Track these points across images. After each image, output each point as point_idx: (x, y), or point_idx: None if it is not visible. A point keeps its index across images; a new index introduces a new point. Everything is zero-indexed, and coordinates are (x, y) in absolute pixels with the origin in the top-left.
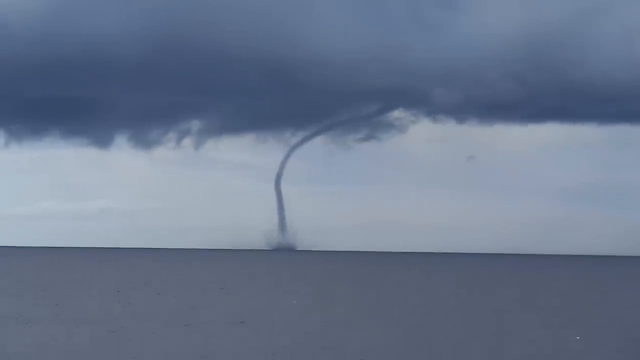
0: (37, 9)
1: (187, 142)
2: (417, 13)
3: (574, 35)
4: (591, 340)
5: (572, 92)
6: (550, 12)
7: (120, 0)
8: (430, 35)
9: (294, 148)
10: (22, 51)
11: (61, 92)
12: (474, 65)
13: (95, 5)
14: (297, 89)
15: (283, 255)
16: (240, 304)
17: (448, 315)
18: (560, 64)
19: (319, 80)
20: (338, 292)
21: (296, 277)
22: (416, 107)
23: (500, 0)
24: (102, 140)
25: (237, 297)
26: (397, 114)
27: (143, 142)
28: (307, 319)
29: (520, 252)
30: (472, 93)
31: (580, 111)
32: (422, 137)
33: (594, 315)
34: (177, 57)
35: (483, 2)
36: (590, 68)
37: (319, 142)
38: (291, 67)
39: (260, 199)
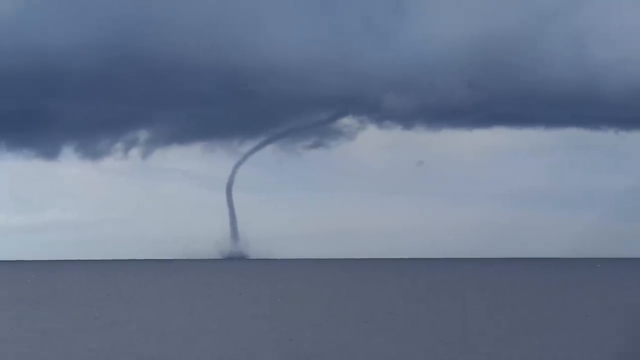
0: None
1: (135, 152)
2: (369, 20)
3: (525, 40)
4: (548, 346)
5: (522, 97)
6: (501, 17)
7: (70, 11)
8: (382, 41)
9: (245, 157)
10: None
11: (9, 104)
12: (424, 71)
13: (44, 17)
14: (246, 98)
15: (235, 264)
16: (196, 314)
17: (400, 321)
18: (511, 69)
19: (269, 88)
20: (292, 301)
21: (249, 285)
22: (365, 113)
23: (452, 6)
24: (49, 151)
25: (192, 308)
26: (345, 121)
27: (90, 152)
28: (261, 328)
29: (471, 256)
30: (422, 99)
31: (527, 115)
32: (370, 143)
33: (546, 319)
34: (127, 68)
35: (434, 8)
36: (541, 73)
37: (268, 149)
38: (241, 76)
39: (210, 208)
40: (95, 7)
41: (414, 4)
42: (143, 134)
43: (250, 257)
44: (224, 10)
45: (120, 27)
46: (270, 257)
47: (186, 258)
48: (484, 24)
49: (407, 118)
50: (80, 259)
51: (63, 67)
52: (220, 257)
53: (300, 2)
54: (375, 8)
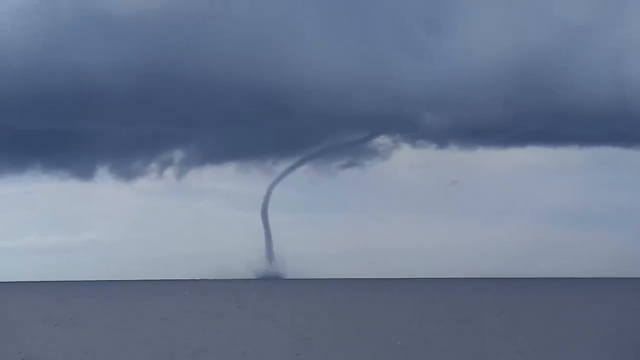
0: (23, 41)
1: (170, 172)
2: (404, 38)
3: (561, 57)
4: None
5: (556, 115)
6: (537, 34)
7: (106, 31)
8: (417, 59)
9: (280, 177)
10: (6, 84)
11: (44, 124)
12: (459, 89)
13: (80, 36)
14: (281, 117)
15: (271, 285)
16: (233, 335)
17: (440, 341)
18: (547, 86)
19: (305, 107)
20: (330, 321)
21: (287, 306)
22: (399, 132)
23: (487, 23)
24: (84, 172)
25: (229, 328)
26: (380, 140)
27: (125, 173)
28: (298, 349)
29: (508, 276)
30: (457, 117)
31: (562, 133)
32: (404, 162)
33: (585, 339)
34: (162, 87)
35: (470, 25)
36: (576, 90)
37: (301, 169)
38: (276, 95)
39: (244, 228)
40: (130, 27)
41: (449, 22)
42: (178, 154)
43: (286, 277)
44: (260, 29)
45: (156, 46)
46: (305, 277)
47: (221, 278)
48: (520, 41)
49: (442, 137)
50: (116, 279)
51: (98, 87)
52: (255, 277)
53: (335, 19)
54: (411, 26)
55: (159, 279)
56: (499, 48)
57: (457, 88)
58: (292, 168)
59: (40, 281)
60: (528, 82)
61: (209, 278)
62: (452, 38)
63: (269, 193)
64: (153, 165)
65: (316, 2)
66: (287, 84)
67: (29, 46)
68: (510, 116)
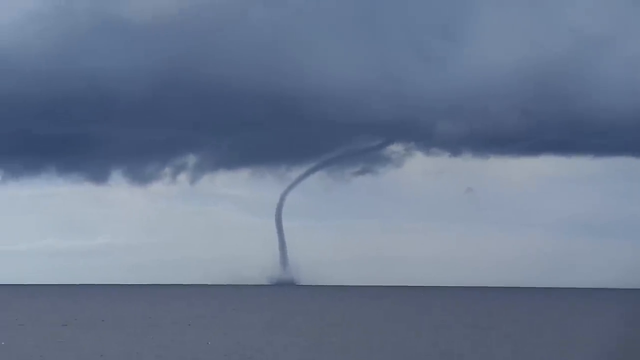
0: (40, 46)
1: (183, 177)
2: (419, 46)
3: (577, 66)
4: None
5: (572, 124)
6: (553, 43)
7: (122, 37)
8: (432, 68)
9: (293, 184)
10: (23, 88)
11: (60, 128)
12: (475, 98)
13: (97, 42)
14: (295, 124)
15: (284, 290)
16: (244, 341)
17: (454, 349)
18: (563, 96)
19: (319, 114)
20: (344, 328)
21: (302, 313)
22: (414, 140)
23: (503, 32)
24: (99, 175)
25: (240, 334)
26: (393, 147)
27: (139, 177)
28: (309, 355)
29: (522, 285)
30: (472, 126)
31: (577, 143)
32: (418, 170)
33: (598, 349)
34: (177, 93)
35: (486, 34)
36: (592, 100)
37: (315, 175)
38: (291, 101)
39: (258, 234)
40: (147, 33)
41: (465, 30)
42: (191, 159)
43: (299, 283)
44: (276, 36)
45: (172, 52)
46: (318, 284)
47: (234, 284)
48: (536, 50)
49: (455, 145)
50: (129, 283)
51: (113, 92)
52: (268, 283)
53: (351, 27)
54: (426, 34)
55: (173, 283)
56: (515, 57)
57: (472, 96)
58: (305, 175)
59: (56, 284)
60: (544, 92)
61: (222, 283)
62: (468, 46)
63: (282, 199)
64: (167, 170)
65: (332, 9)
66: (303, 91)
67: (46, 51)
68: (526, 125)
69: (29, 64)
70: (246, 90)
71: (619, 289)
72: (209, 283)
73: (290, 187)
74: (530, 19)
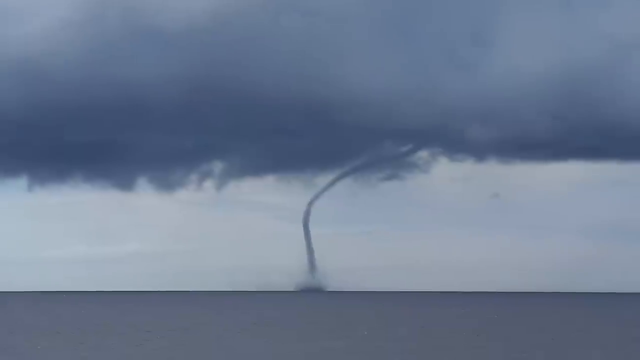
0: (71, 54)
1: (209, 183)
2: (451, 52)
3: (608, 72)
4: None
5: (601, 130)
6: (584, 48)
7: (153, 44)
8: (464, 73)
9: (321, 191)
10: (54, 95)
11: (89, 135)
12: (505, 103)
13: (128, 50)
14: (325, 130)
15: (313, 297)
16: (275, 347)
17: (483, 354)
18: (593, 101)
19: (350, 120)
20: (376, 333)
21: (331, 318)
22: (441, 146)
23: (535, 37)
24: (125, 182)
25: (270, 340)
26: (421, 153)
27: (165, 184)
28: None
29: (549, 290)
30: (501, 132)
31: (604, 149)
32: (445, 176)
33: (626, 354)
34: (207, 100)
35: (517, 39)
36: (622, 105)
37: (341, 181)
38: (323, 108)
39: (285, 240)
40: (178, 40)
41: (495, 36)
42: (217, 166)
43: (327, 289)
44: (307, 43)
45: (202, 60)
46: (346, 290)
47: (262, 290)
48: (566, 56)
49: (484, 151)
50: (157, 290)
51: (143, 100)
52: (296, 290)
53: (382, 34)
54: (457, 40)
55: (200, 290)
56: (546, 62)
57: (503, 102)
58: (333, 182)
59: (86, 291)
60: (575, 97)
61: (249, 290)
62: (499, 52)
63: (310, 206)
64: (193, 177)
65: (364, 17)
66: (334, 98)
67: (77, 59)
68: (556, 131)
69: (60, 71)
70: (277, 98)
71: None
72: (237, 290)
73: (318, 195)
74: (561, 24)
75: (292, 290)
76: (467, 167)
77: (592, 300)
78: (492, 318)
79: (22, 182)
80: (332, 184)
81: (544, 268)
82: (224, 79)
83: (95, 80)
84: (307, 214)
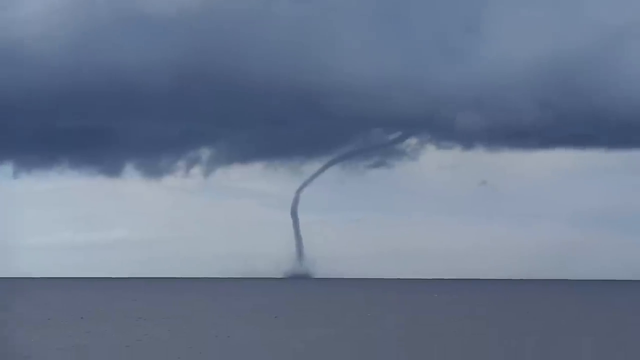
0: (60, 39)
1: (197, 170)
2: (442, 39)
3: (598, 61)
4: None
5: (591, 118)
6: (574, 37)
7: (144, 31)
8: (454, 61)
9: (309, 180)
10: (43, 81)
11: (78, 122)
12: (495, 91)
13: (118, 36)
14: (315, 118)
15: (301, 284)
16: (268, 335)
17: (468, 341)
18: (583, 90)
19: (340, 108)
20: (366, 320)
21: (317, 305)
22: (431, 133)
23: (525, 25)
24: (112, 169)
25: (263, 328)
26: (409, 140)
27: (152, 170)
28: (330, 348)
29: (537, 278)
30: (491, 119)
31: (593, 137)
32: (433, 163)
33: (612, 342)
34: (197, 87)
35: (508, 27)
36: (612, 94)
37: (329, 168)
38: (313, 95)
39: (272, 227)
40: (168, 27)
41: (486, 24)
42: (205, 152)
43: (315, 277)
44: (297, 30)
45: (193, 46)
46: (334, 277)
47: (249, 277)
48: (556, 44)
49: (472, 138)
50: (144, 276)
51: (133, 86)
52: (284, 277)
53: (373, 21)
54: (449, 28)
55: (188, 276)
56: (536, 50)
57: (493, 90)
58: (321, 170)
59: (73, 277)
60: (564, 85)
61: (237, 276)
62: (489, 40)
63: (297, 196)
64: (180, 163)
65: (355, 4)
66: (325, 85)
67: (67, 44)
68: (545, 119)
69: (48, 56)
70: (267, 85)
71: (632, 280)
72: (224, 276)
73: (306, 183)
74: (552, 12)
75: (279, 277)
76: (455, 155)
77: (579, 287)
78: (480, 305)
79: (7, 168)
80: (321, 171)
81: (532, 255)
82: (213, 66)
83: (84, 66)
84: (295, 202)
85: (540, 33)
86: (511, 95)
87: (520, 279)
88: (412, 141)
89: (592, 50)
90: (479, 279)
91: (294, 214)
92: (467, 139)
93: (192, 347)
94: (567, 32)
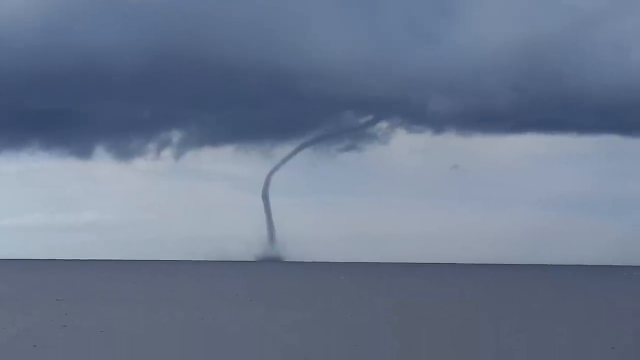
0: (33, 21)
1: (168, 152)
2: (414, 22)
3: (570, 45)
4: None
5: (563, 103)
6: (547, 22)
7: (114, 12)
8: (426, 44)
9: (281, 163)
10: (14, 62)
11: (48, 103)
12: (467, 75)
13: (88, 17)
14: (286, 100)
15: (272, 267)
16: (246, 318)
17: (438, 326)
18: (555, 74)
19: (311, 90)
20: (326, 303)
21: (287, 288)
22: (402, 117)
23: (498, 10)
24: (82, 151)
25: (227, 309)
26: (381, 124)
27: (123, 152)
28: (304, 333)
29: (508, 262)
30: (462, 103)
31: (565, 121)
32: (404, 147)
33: (584, 325)
34: (169, 69)
35: (480, 11)
36: (584, 79)
37: (301, 152)
38: (284, 78)
39: (243, 210)
40: (139, 9)
41: (459, 7)
42: (176, 135)
43: (286, 260)
44: (268, 12)
45: (164, 28)
46: (305, 260)
47: (220, 260)
48: (529, 28)
49: (443, 122)
50: (115, 259)
51: (104, 68)
52: (255, 260)
53: (345, 3)
54: (421, 11)
55: (158, 259)
56: (509, 34)
57: (465, 74)
58: (293, 153)
59: (43, 259)
60: (537, 69)
61: (208, 259)
62: (462, 23)
63: (268, 179)
64: (151, 146)
65: None
66: (296, 68)
67: (38, 26)
68: (517, 103)
69: (18, 37)
70: (238, 67)
71: (603, 265)
72: (195, 259)
73: (278, 166)
74: None
75: (251, 260)
76: (426, 139)
77: (551, 272)
78: (452, 290)
79: None
80: (292, 154)
81: (503, 239)
82: (184, 48)
83: (54, 47)
84: (266, 185)
85: (514, 17)
86: (484, 80)
87: (492, 264)
88: (383, 125)
89: (565, 35)
90: (450, 263)
91: (265, 197)
92: (439, 123)
93: (181, 330)
94: (541, 17)
